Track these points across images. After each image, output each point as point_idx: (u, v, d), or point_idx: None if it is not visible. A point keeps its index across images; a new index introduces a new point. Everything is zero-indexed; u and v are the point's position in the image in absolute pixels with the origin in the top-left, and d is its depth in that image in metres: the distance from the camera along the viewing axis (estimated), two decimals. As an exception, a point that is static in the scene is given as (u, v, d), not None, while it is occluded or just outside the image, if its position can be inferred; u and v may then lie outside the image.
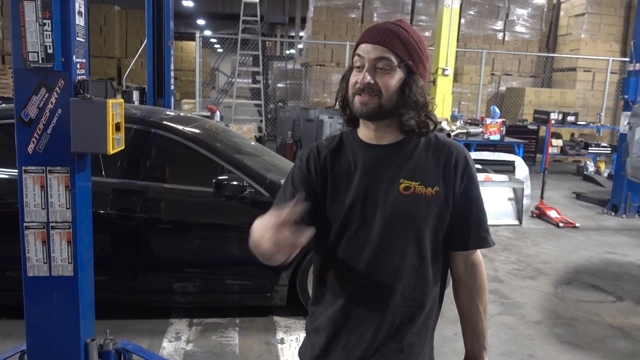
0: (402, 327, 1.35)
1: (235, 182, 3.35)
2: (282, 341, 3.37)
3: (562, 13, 13.75)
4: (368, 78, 1.29)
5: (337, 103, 1.41)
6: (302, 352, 1.48)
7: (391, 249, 1.32)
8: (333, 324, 1.37)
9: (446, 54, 8.84)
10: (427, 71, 1.38)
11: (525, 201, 6.56)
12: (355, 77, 1.33)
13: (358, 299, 1.35)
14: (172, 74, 6.15)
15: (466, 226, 1.38)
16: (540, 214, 6.90)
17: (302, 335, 3.43)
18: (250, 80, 13.39)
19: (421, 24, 13.06)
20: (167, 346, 3.26)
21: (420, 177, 1.33)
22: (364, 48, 1.32)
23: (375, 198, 1.33)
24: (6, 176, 3.30)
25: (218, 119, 8.56)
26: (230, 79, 12.62)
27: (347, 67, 1.40)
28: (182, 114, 5.07)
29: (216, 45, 19.05)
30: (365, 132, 1.38)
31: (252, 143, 4.82)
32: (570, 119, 10.74)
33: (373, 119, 1.33)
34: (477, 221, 1.39)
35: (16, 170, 2.30)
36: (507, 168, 6.93)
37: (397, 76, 1.30)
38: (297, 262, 3.46)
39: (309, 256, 3.35)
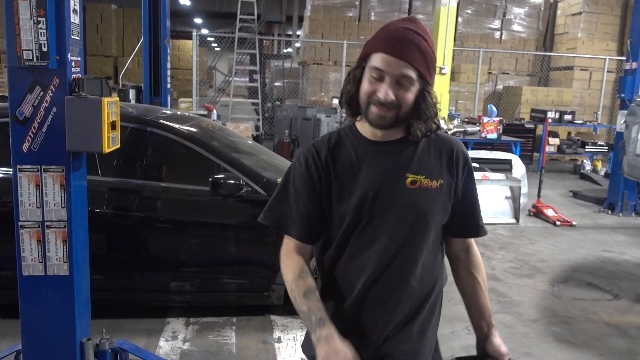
0: (411, 316, 1.39)
1: (231, 181, 3.34)
2: (279, 340, 3.37)
3: (559, 12, 13.76)
4: (391, 95, 1.29)
5: (343, 101, 1.39)
6: (307, 348, 1.47)
7: (401, 243, 1.36)
8: (344, 320, 1.38)
9: (443, 52, 8.84)
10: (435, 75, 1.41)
11: (522, 200, 6.56)
12: (372, 87, 1.31)
13: (370, 293, 1.37)
14: (168, 72, 6.13)
15: (466, 216, 1.46)
16: (537, 213, 6.90)
17: (299, 334, 3.43)
18: (247, 79, 13.36)
19: (418, 22, 13.03)
20: (164, 345, 3.25)
21: (425, 171, 1.37)
22: (387, 61, 1.28)
23: (383, 194, 1.35)
24: (1, 175, 3.28)
25: (215, 117, 8.54)
26: (227, 78, 12.60)
27: (356, 65, 1.37)
28: (178, 112, 5.06)
29: (213, 44, 19.02)
30: (368, 129, 1.39)
31: (249, 142, 4.81)
32: (567, 117, 10.75)
33: (386, 129, 1.36)
34: (475, 211, 1.48)
35: (11, 169, 2.29)
36: (504, 167, 6.94)
37: (415, 89, 1.32)
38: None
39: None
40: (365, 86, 1.32)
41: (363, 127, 1.40)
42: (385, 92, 1.28)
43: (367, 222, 1.35)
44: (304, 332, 1.50)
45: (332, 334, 1.26)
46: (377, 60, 1.29)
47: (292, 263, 1.39)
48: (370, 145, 1.38)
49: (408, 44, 1.28)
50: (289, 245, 1.43)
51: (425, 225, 1.37)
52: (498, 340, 1.48)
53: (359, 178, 1.35)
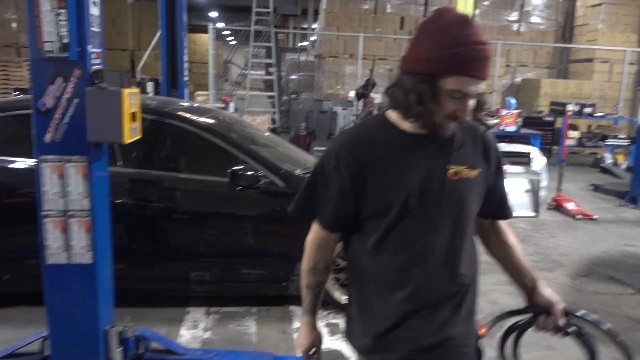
0: (460, 300, 1.42)
1: (250, 172, 3.35)
2: (298, 330, 3.37)
3: (578, 3, 13.53)
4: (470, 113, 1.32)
5: (404, 111, 1.33)
6: (350, 335, 1.53)
7: (448, 234, 1.38)
8: (397, 312, 1.39)
9: (461, 44, 8.72)
10: None
11: (542, 193, 6.48)
12: (454, 106, 1.29)
13: (422, 285, 1.37)
14: (185, 65, 6.14)
15: (496, 201, 1.51)
16: (557, 206, 6.82)
17: (318, 324, 3.42)
18: (263, 72, 13.38)
19: (435, 14, 12.90)
20: (185, 334, 3.28)
21: (465, 161, 1.38)
22: (471, 83, 1.26)
23: (427, 187, 1.34)
24: (24, 166, 3.33)
25: (232, 110, 8.57)
26: (243, 71, 12.62)
27: (420, 80, 1.28)
28: (196, 104, 5.08)
29: (228, 38, 19.07)
30: (406, 122, 1.36)
31: (266, 134, 4.81)
32: (587, 110, 10.58)
33: None
34: (505, 195, 1.54)
35: (34, 161, 2.31)
36: (523, 160, 6.85)
37: None
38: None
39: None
40: (447, 106, 1.29)
41: (397, 120, 1.38)
42: (467, 111, 1.30)
43: (412, 216, 1.34)
44: (344, 323, 1.55)
45: (307, 322, 1.57)
46: (460, 83, 1.26)
47: (311, 257, 1.50)
48: (409, 138, 1.36)
49: (488, 63, 1.28)
50: (315, 233, 1.48)
51: (468, 215, 1.41)
52: (547, 291, 1.51)
53: (401, 172, 1.34)
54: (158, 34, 6.31)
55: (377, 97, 10.28)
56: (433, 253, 1.37)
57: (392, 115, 1.39)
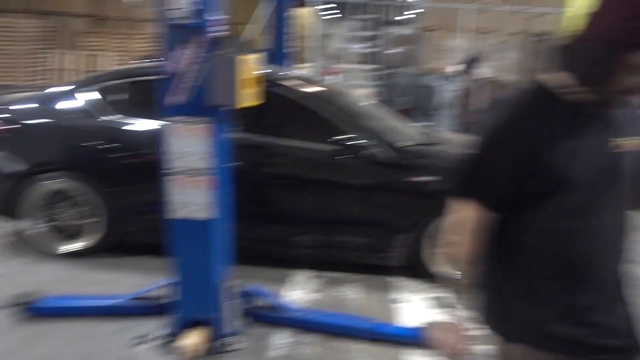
0: (620, 276, 1.36)
1: (355, 142, 3.37)
2: (397, 300, 3.39)
3: None
4: None
5: (593, 83, 1.22)
6: (491, 317, 1.42)
7: (617, 211, 1.32)
8: (570, 297, 1.31)
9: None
10: None
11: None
12: (638, 79, 1.18)
13: (593, 267, 1.31)
14: (289, 36, 6.24)
15: None
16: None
17: (415, 297, 3.41)
18: (362, 46, 13.27)
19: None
20: (288, 294, 3.41)
21: (629, 132, 1.31)
22: None
23: (599, 162, 1.26)
24: (148, 128, 3.58)
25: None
26: (341, 45, 12.61)
27: (614, 49, 1.15)
28: (301, 73, 5.17)
29: (326, 12, 19.06)
30: (569, 91, 1.26)
31: (369, 105, 4.79)
32: None
33: None
34: None
35: (158, 123, 2.47)
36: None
37: None
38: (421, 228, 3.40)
39: (433, 223, 3.26)
40: (628, 80, 1.17)
41: (560, 88, 1.27)
42: None
43: (584, 195, 1.26)
44: (485, 308, 1.43)
45: (462, 319, 1.42)
46: None
47: (473, 245, 1.36)
48: (576, 109, 1.26)
49: None
50: (474, 217, 1.34)
51: (629, 188, 1.33)
52: None
53: (572, 148, 1.24)
54: (263, 7, 6.45)
55: (478, 72, 9.85)
56: (603, 234, 1.29)
57: (551, 82, 1.28)
